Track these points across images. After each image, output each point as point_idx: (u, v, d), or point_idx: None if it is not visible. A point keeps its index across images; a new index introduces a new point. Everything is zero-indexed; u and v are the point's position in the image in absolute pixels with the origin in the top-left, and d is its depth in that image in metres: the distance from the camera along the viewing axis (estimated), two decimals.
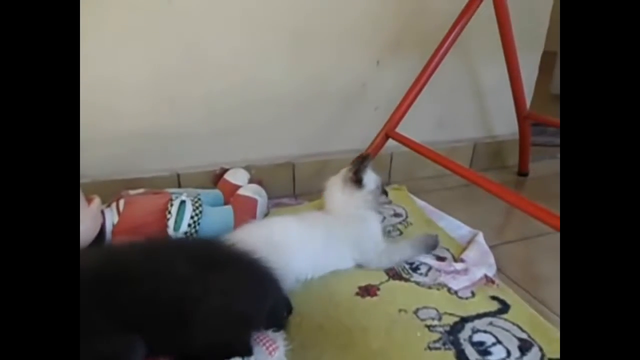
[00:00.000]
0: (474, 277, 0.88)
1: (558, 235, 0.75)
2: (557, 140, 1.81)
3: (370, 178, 0.95)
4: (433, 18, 1.25)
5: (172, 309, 0.56)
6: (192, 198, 0.91)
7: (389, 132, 1.16)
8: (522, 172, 1.47)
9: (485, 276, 0.89)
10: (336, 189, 0.94)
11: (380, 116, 1.20)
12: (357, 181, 0.92)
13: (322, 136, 1.28)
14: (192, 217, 0.87)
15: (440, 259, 0.96)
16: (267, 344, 0.63)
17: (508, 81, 1.29)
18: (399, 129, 1.17)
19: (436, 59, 1.14)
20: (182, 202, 0.88)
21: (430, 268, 0.92)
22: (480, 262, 0.94)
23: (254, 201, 0.99)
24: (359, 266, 0.90)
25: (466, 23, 1.12)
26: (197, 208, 0.89)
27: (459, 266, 0.91)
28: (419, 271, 0.91)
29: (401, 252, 0.92)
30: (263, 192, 1.04)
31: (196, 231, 0.88)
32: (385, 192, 1.00)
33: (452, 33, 1.13)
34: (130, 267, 0.58)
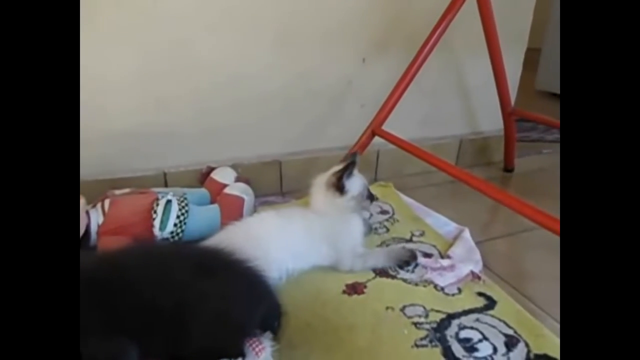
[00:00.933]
0: (460, 273, 0.88)
1: (543, 231, 0.77)
2: (542, 136, 1.82)
3: (355, 183, 0.92)
4: (419, 15, 1.24)
5: (168, 315, 0.55)
6: (178, 197, 0.89)
7: (375, 130, 1.15)
8: (508, 168, 1.48)
9: (472, 272, 0.89)
10: (319, 192, 0.92)
11: (367, 113, 1.19)
12: (339, 188, 0.90)
13: (309, 134, 1.27)
14: (178, 217, 0.86)
15: (427, 255, 0.96)
16: (254, 345, 0.63)
17: (492, 78, 1.29)
18: (385, 126, 1.16)
19: (422, 56, 1.14)
20: (168, 202, 0.87)
21: (417, 265, 0.92)
22: (466, 258, 0.94)
23: (241, 200, 0.98)
24: (332, 267, 0.89)
25: (451, 20, 1.12)
26: (184, 208, 0.88)
27: (445, 262, 0.91)
28: (405, 268, 0.91)
29: (375, 259, 0.90)
30: (250, 191, 1.03)
31: (182, 231, 0.86)
32: (371, 197, 0.97)
33: (437, 30, 1.12)
34: (126, 272, 0.57)
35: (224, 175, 1.06)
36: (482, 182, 0.94)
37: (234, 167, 1.12)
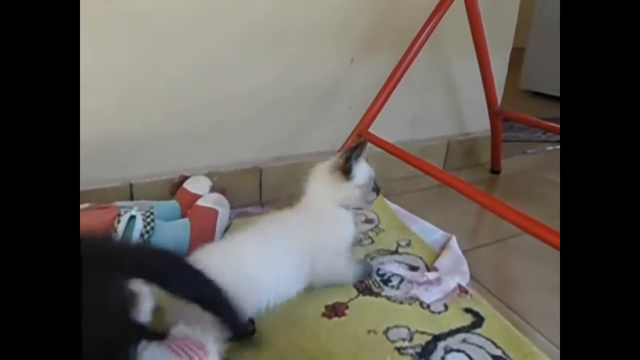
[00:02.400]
0: (447, 287, 0.83)
1: (525, 236, 0.74)
2: (528, 136, 1.78)
3: (362, 170, 0.82)
4: (407, 15, 1.18)
5: None
6: (143, 212, 0.81)
7: (361, 132, 1.09)
8: (495, 170, 1.43)
9: (459, 286, 0.83)
10: (321, 177, 0.82)
11: (354, 115, 1.12)
12: (346, 170, 0.79)
13: (292, 138, 1.20)
14: (142, 235, 0.78)
15: (413, 268, 0.90)
16: (191, 352, 0.51)
17: (479, 78, 1.25)
18: (373, 128, 1.10)
19: (409, 57, 1.09)
20: (132, 218, 0.79)
21: (402, 279, 0.86)
22: (453, 270, 0.88)
23: (214, 212, 0.90)
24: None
25: (439, 20, 1.08)
26: (149, 224, 0.80)
27: (431, 276, 0.86)
28: (390, 284, 0.85)
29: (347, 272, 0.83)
30: (225, 202, 0.95)
31: None
32: (376, 190, 0.85)
33: (425, 30, 1.08)
34: None
35: (197, 185, 0.98)
36: (469, 187, 0.88)
37: (209, 175, 1.04)
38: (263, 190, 1.18)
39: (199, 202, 0.92)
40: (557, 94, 2.42)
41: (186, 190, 0.97)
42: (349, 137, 1.07)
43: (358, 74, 1.20)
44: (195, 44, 1.00)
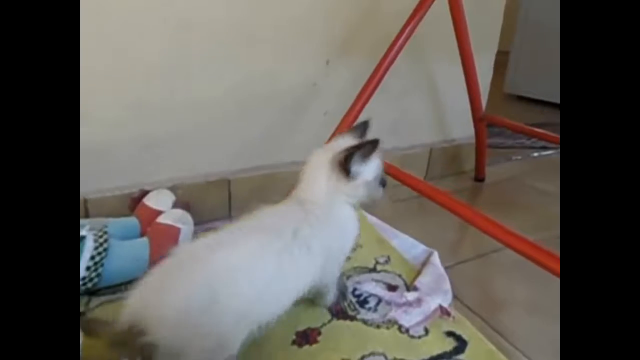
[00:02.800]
0: (427, 309, 0.78)
1: (507, 251, 0.67)
2: (512, 142, 1.74)
3: (369, 165, 0.69)
4: (386, 15, 1.13)
5: None
6: (95, 232, 0.74)
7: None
8: (479, 178, 1.38)
9: (440, 307, 0.78)
10: (320, 172, 0.68)
11: (331, 121, 1.06)
12: (345, 170, 0.67)
13: (264, 147, 1.14)
14: (92, 258, 0.71)
15: (392, 287, 0.85)
16: None
17: (463, 82, 1.21)
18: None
19: (388, 59, 1.03)
20: (82, 239, 0.72)
21: (379, 301, 0.80)
22: (435, 289, 0.83)
23: (176, 230, 0.83)
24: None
25: (419, 21, 1.02)
26: (101, 245, 0.73)
27: (411, 296, 0.81)
28: (367, 305, 0.79)
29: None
30: (188, 219, 0.89)
31: (98, 275, 0.72)
32: (384, 183, 0.74)
33: (404, 32, 1.03)
34: None
35: (159, 200, 0.91)
36: (449, 199, 0.83)
37: (172, 189, 0.97)
38: (232, 204, 1.11)
39: (160, 219, 0.85)
40: (542, 98, 2.41)
41: (146, 206, 0.90)
42: None
43: (334, 78, 1.15)
44: (154, 46, 0.93)
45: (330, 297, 0.76)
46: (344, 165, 0.67)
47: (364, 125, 0.76)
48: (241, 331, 0.56)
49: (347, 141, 0.71)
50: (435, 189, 0.87)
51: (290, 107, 1.13)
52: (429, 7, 1.02)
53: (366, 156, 0.67)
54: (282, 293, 0.60)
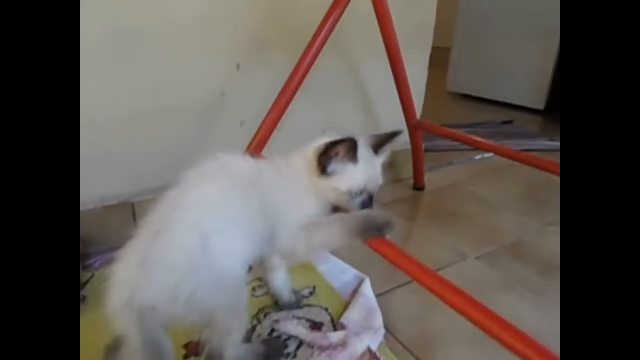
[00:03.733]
0: (354, 352, 0.69)
1: (453, 270, 0.67)
2: (453, 145, 1.69)
3: (350, 174, 0.63)
4: (302, 10, 1.03)
5: None
6: None
7: (254, 155, 0.91)
8: (418, 187, 1.31)
9: (369, 351, 0.68)
10: (304, 154, 0.65)
11: (249, 132, 0.95)
12: (321, 164, 0.62)
13: (173, 164, 0.99)
14: None
15: (316, 326, 0.75)
16: None
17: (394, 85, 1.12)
18: (270, 148, 0.93)
19: (308, 59, 0.93)
20: None
21: (300, 344, 0.70)
22: (364, 326, 0.74)
23: None
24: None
25: (339, 17, 0.93)
26: None
27: (336, 337, 0.71)
28: (286, 350, 0.68)
29: (326, 235, 0.63)
30: None
31: None
32: (367, 205, 0.65)
33: (323, 28, 0.93)
34: None
35: None
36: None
37: None
38: None
39: None
40: (486, 96, 2.41)
41: None
42: None
43: (247, 84, 1.03)
44: None
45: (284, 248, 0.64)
46: (322, 158, 0.62)
47: (391, 135, 0.71)
48: (240, 275, 0.58)
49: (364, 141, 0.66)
50: None
51: (200, 120, 1.01)
52: (347, 4, 0.92)
53: (341, 155, 0.62)
54: (254, 233, 0.60)
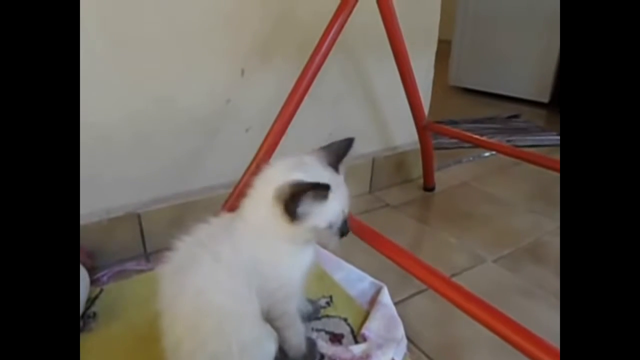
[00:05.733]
0: None
1: (471, 273, 0.64)
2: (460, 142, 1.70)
3: (327, 210, 0.57)
4: (308, 14, 1.02)
5: None
6: None
7: (261, 164, 0.89)
8: (428, 187, 1.31)
9: None
10: (261, 200, 0.58)
11: (255, 138, 0.94)
12: (289, 212, 0.55)
13: (178, 173, 0.99)
14: None
15: (335, 337, 0.74)
16: None
17: (401, 86, 1.11)
18: (281, 153, 0.92)
19: (315, 63, 0.92)
20: None
21: (322, 358, 0.69)
22: (386, 337, 0.74)
23: None
24: None
25: (346, 20, 0.92)
26: None
27: (358, 349, 0.71)
28: None
29: (297, 337, 0.66)
30: (83, 274, 0.74)
31: None
32: (343, 232, 0.61)
33: (330, 32, 0.91)
34: None
35: None
36: (373, 233, 0.72)
37: None
38: (147, 240, 0.97)
39: None
40: (488, 89, 2.41)
41: None
42: (246, 171, 0.88)
43: (253, 90, 1.02)
44: None
45: (294, 342, 0.65)
46: (288, 206, 0.55)
47: (345, 144, 0.62)
48: None
49: (308, 167, 0.58)
50: (361, 222, 0.74)
51: (205, 127, 1.00)
52: (354, 5, 0.91)
53: (318, 199, 0.55)
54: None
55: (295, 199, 0.54)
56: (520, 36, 2.19)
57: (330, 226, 0.58)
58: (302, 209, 0.55)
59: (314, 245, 0.64)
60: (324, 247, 0.65)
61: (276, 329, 0.63)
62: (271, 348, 0.61)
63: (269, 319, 0.61)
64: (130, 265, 0.92)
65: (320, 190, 0.54)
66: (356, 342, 0.74)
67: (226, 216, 0.62)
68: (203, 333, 0.55)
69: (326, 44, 0.90)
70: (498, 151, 1.13)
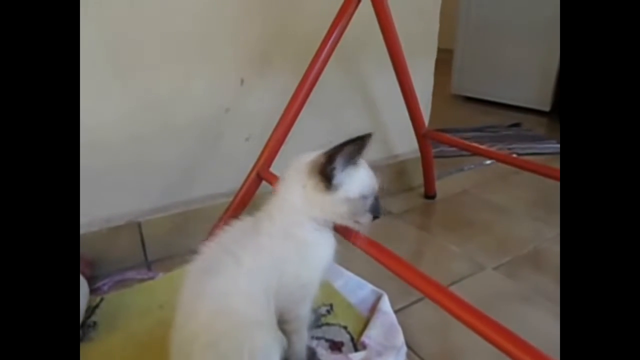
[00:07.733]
0: None
1: (471, 280, 0.65)
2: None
3: (358, 177, 0.59)
4: (306, 23, 1.05)
5: None
6: None
7: (261, 172, 0.92)
8: (429, 195, 1.33)
9: None
10: (295, 178, 0.59)
11: (255, 147, 0.96)
12: (327, 175, 0.56)
13: (178, 182, 1.01)
14: None
15: (335, 345, 0.75)
16: None
17: (401, 94, 1.13)
18: (280, 163, 0.94)
19: (314, 72, 0.94)
20: None
21: None
22: (385, 346, 0.75)
23: None
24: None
25: (344, 28, 0.94)
26: None
27: (357, 358, 0.72)
28: None
29: (302, 343, 0.68)
30: (82, 283, 0.75)
31: None
32: (376, 210, 0.62)
33: (328, 40, 0.94)
34: None
35: None
36: (371, 245, 0.71)
37: None
38: (147, 248, 0.98)
39: None
40: (490, 98, 2.43)
41: None
42: (246, 179, 0.90)
43: (252, 99, 1.04)
44: None
45: (297, 348, 0.67)
46: (324, 167, 0.56)
47: (362, 141, 0.57)
48: None
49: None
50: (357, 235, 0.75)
51: (204, 136, 1.02)
52: (353, 12, 0.94)
53: (352, 155, 0.56)
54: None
55: (331, 160, 0.55)
56: (522, 45, 2.22)
57: (363, 197, 0.59)
58: (337, 172, 0.56)
59: (334, 239, 0.64)
60: (356, 229, 0.63)
61: (284, 332, 0.64)
62: (277, 357, 0.62)
63: (280, 321, 0.63)
64: (131, 274, 0.94)
65: (357, 142, 0.55)
66: (356, 350, 0.75)
67: (249, 218, 0.64)
68: (217, 333, 0.55)
69: (325, 50, 0.92)
70: (497, 159, 1.14)
